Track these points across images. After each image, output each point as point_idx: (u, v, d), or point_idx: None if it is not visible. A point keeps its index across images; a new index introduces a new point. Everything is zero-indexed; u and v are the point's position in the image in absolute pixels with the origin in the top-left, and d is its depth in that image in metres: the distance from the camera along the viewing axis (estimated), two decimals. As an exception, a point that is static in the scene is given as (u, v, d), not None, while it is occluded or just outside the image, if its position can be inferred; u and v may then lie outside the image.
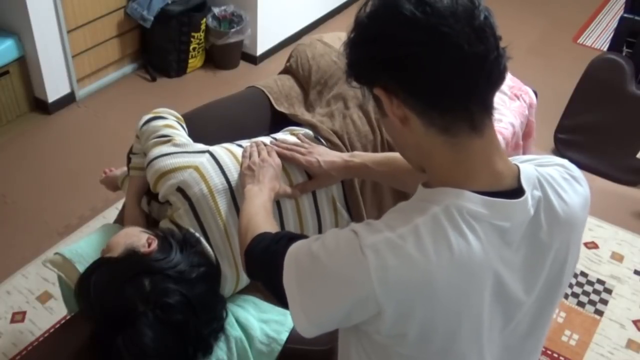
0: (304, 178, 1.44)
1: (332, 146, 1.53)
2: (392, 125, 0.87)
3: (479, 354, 0.88)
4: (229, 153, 1.43)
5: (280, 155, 1.42)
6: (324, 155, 1.43)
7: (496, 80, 0.82)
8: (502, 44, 0.81)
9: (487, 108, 0.83)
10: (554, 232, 0.88)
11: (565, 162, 0.97)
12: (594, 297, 2.31)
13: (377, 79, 0.83)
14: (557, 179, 0.91)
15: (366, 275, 0.80)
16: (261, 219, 1.14)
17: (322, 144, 1.52)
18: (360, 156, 1.40)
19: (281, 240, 0.96)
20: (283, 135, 1.55)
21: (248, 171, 1.35)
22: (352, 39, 0.84)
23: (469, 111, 0.81)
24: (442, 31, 0.76)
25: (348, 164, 1.39)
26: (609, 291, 2.34)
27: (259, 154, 1.40)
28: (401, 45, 0.78)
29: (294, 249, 0.91)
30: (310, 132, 1.56)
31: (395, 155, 1.39)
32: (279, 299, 0.93)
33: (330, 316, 0.87)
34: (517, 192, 0.85)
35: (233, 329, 1.37)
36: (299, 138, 1.52)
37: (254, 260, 1.03)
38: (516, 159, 0.94)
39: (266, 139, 1.51)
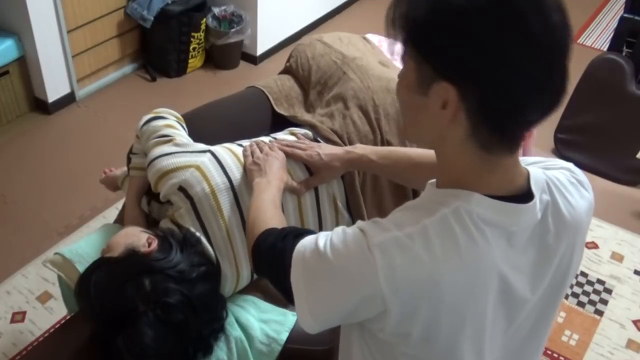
0: (305, 174, 1.45)
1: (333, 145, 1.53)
2: (426, 110, 0.81)
3: (479, 355, 0.88)
4: (230, 152, 1.43)
5: (281, 151, 1.42)
6: (325, 148, 1.43)
7: (552, 112, 0.81)
8: None
9: (527, 132, 0.84)
10: (560, 236, 0.88)
11: (571, 165, 0.97)
12: (594, 297, 2.31)
13: (461, 74, 0.76)
14: (564, 183, 0.91)
15: (373, 274, 0.80)
16: (269, 213, 1.14)
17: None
18: (361, 148, 1.41)
19: (288, 237, 0.96)
20: (283, 135, 1.55)
21: (254, 166, 1.35)
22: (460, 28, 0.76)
23: (516, 138, 0.82)
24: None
25: (349, 155, 1.40)
26: (609, 291, 2.34)
27: (261, 150, 1.40)
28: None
29: (301, 246, 0.91)
30: (309, 133, 1.56)
31: (397, 149, 1.40)
32: (285, 294, 0.93)
33: (336, 313, 0.87)
34: (526, 195, 0.85)
35: (233, 329, 1.37)
36: (298, 138, 1.53)
37: (261, 257, 1.03)
38: (523, 161, 0.94)
39: (266, 139, 1.51)
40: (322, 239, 0.88)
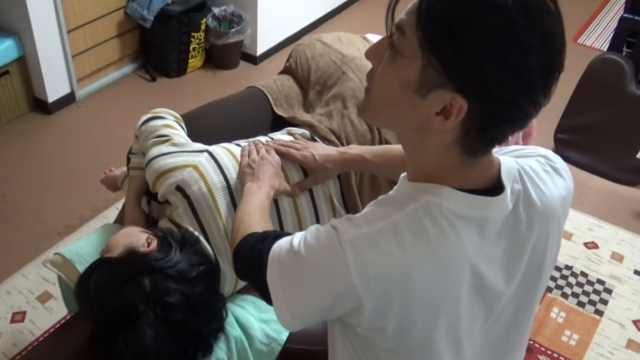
0: (300, 175, 1.45)
1: (330, 145, 1.53)
2: (415, 109, 0.79)
3: (457, 347, 0.89)
4: (228, 152, 1.43)
5: (275, 151, 1.42)
6: (319, 149, 1.43)
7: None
8: None
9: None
10: (532, 225, 0.89)
11: (549, 152, 0.97)
12: (594, 297, 2.31)
13: (481, 92, 0.75)
14: (537, 171, 0.91)
15: (345, 270, 0.81)
16: (253, 218, 1.15)
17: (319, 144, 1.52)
18: (355, 148, 1.41)
19: (267, 239, 0.97)
20: (280, 135, 1.55)
21: (248, 169, 1.36)
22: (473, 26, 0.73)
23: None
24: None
25: (344, 156, 1.40)
26: (609, 291, 2.34)
27: (258, 152, 1.40)
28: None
29: (277, 246, 0.92)
30: (307, 133, 1.56)
31: (391, 147, 1.40)
32: (264, 295, 0.94)
33: (312, 310, 0.88)
34: (497, 186, 0.85)
35: (233, 329, 1.37)
36: (295, 138, 1.53)
37: (241, 260, 1.05)
38: (500, 150, 0.95)
39: (263, 139, 1.51)
40: (297, 238, 0.90)
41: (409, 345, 0.87)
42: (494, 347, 0.95)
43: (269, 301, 0.92)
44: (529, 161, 0.93)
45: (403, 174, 0.91)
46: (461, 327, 0.88)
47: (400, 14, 0.79)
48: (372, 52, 0.85)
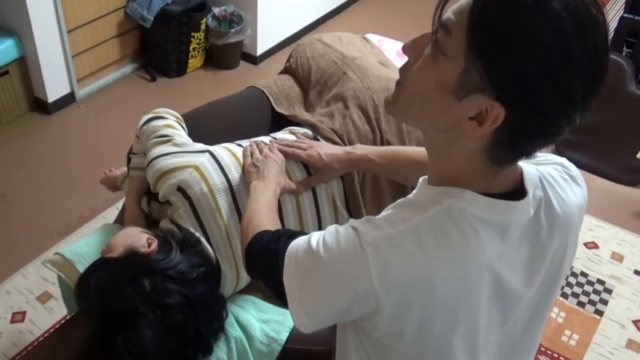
0: (303, 174, 1.45)
1: (334, 145, 1.53)
2: (448, 111, 0.77)
3: (473, 353, 0.88)
4: (229, 153, 1.43)
5: (281, 152, 1.42)
6: (325, 148, 1.43)
7: None
8: None
9: None
10: (553, 232, 0.88)
11: (564, 161, 0.97)
12: (594, 297, 2.31)
13: (523, 103, 0.73)
14: (557, 179, 0.91)
15: (366, 272, 0.80)
16: (263, 216, 1.14)
17: (322, 144, 1.52)
18: (361, 148, 1.40)
19: (281, 238, 0.96)
20: (282, 135, 1.55)
21: (252, 168, 1.35)
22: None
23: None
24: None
25: (350, 156, 1.40)
26: (609, 291, 2.34)
27: (261, 151, 1.40)
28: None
29: (294, 246, 0.90)
30: (309, 132, 1.56)
31: (397, 148, 1.39)
32: (279, 296, 0.92)
33: (330, 312, 0.87)
34: (519, 192, 0.85)
35: (233, 329, 1.37)
36: (297, 137, 1.52)
37: (254, 259, 1.03)
38: None
39: (265, 139, 1.51)
40: (315, 238, 0.88)
41: (426, 350, 0.86)
42: (506, 353, 0.95)
43: (283, 302, 0.90)
44: (548, 168, 0.92)
45: (422, 177, 0.90)
46: (478, 333, 0.87)
47: (447, 13, 0.77)
48: (411, 47, 0.83)
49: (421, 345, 0.85)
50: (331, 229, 0.88)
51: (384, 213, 0.87)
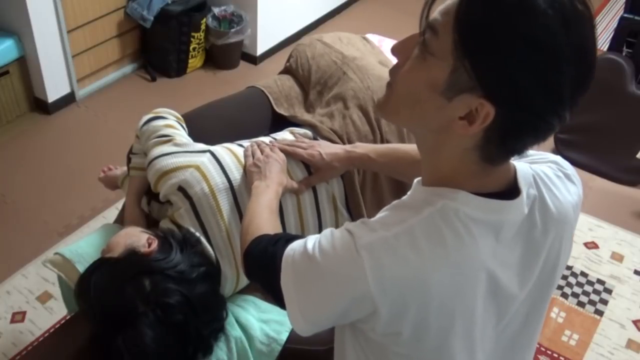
0: (304, 174, 1.45)
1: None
2: (438, 111, 0.78)
3: (471, 352, 0.89)
4: (230, 153, 1.43)
5: (282, 151, 1.42)
6: (325, 147, 1.43)
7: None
8: None
9: None
10: (548, 230, 0.88)
11: (558, 158, 0.97)
12: (594, 297, 2.31)
13: (512, 101, 0.73)
14: (551, 177, 0.91)
15: (362, 275, 0.80)
16: (263, 218, 1.14)
17: (322, 144, 1.52)
18: (362, 147, 1.41)
19: (279, 242, 0.96)
20: (282, 135, 1.55)
21: (254, 168, 1.35)
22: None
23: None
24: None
25: (350, 155, 1.40)
26: (609, 291, 2.34)
27: (262, 151, 1.40)
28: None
29: (291, 250, 0.91)
30: (309, 132, 1.56)
31: (397, 146, 1.40)
32: (277, 299, 0.93)
33: (327, 315, 0.87)
34: (512, 191, 0.85)
35: (233, 329, 1.37)
36: (297, 138, 1.53)
37: (253, 262, 1.03)
38: None
39: (266, 139, 1.51)
40: (311, 241, 0.89)
41: (423, 351, 0.86)
42: (503, 352, 0.95)
43: (281, 305, 0.91)
44: (542, 167, 0.92)
45: (417, 179, 0.90)
46: (475, 332, 0.87)
47: (434, 14, 0.77)
48: (399, 48, 0.83)
49: (419, 345, 0.85)
50: (327, 232, 0.89)
51: (379, 215, 0.87)
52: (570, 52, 0.72)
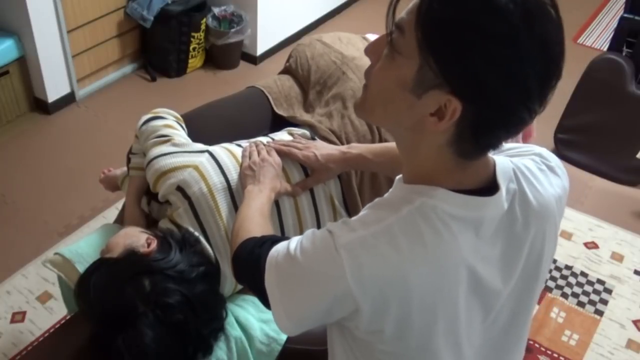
0: (301, 174, 1.45)
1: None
2: (410, 109, 0.79)
3: (457, 348, 0.89)
4: (229, 153, 1.43)
5: (277, 151, 1.42)
6: (321, 149, 1.43)
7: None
8: None
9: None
10: (529, 224, 0.89)
11: (544, 151, 0.97)
12: (594, 297, 2.31)
13: (476, 95, 0.74)
14: (532, 170, 0.91)
15: (341, 273, 0.81)
16: (254, 222, 1.15)
17: (320, 144, 1.52)
18: (357, 147, 1.41)
19: (265, 244, 0.98)
20: (280, 135, 1.55)
21: (248, 171, 1.36)
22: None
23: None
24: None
25: (345, 156, 1.40)
26: (609, 291, 2.34)
27: (259, 153, 1.40)
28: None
29: (275, 251, 0.92)
30: (307, 133, 1.56)
31: (392, 145, 1.40)
32: (262, 300, 0.95)
33: (310, 314, 0.89)
34: (492, 186, 0.85)
35: (233, 329, 1.37)
36: (295, 138, 1.53)
37: (240, 264, 1.05)
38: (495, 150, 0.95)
39: (264, 139, 1.51)
40: (294, 242, 0.90)
41: (408, 348, 0.87)
42: (493, 347, 0.95)
43: (267, 306, 0.93)
44: (524, 160, 0.93)
45: (398, 176, 0.91)
46: (460, 328, 0.88)
47: (401, 13, 0.79)
48: (371, 49, 0.85)
49: (402, 342, 0.86)
50: (309, 233, 0.90)
51: (360, 214, 0.88)
52: (532, 45, 0.72)
